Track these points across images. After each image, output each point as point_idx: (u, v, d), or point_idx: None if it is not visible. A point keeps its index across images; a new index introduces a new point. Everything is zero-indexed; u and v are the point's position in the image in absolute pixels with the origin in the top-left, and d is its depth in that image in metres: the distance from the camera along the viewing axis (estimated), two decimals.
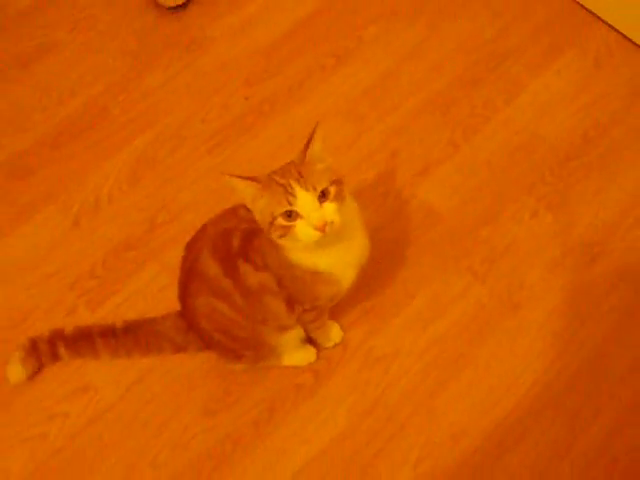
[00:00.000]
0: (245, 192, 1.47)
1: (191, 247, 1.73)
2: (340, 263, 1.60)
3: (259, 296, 1.65)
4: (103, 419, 1.92)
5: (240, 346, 1.81)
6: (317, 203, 1.43)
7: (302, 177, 1.43)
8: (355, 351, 1.98)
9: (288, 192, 1.42)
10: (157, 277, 2.08)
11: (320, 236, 1.44)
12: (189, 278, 1.70)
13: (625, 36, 2.38)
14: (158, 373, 1.96)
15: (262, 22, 2.49)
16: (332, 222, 1.44)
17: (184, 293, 1.74)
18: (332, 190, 1.45)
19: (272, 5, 2.52)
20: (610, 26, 2.40)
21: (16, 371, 1.91)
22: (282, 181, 1.43)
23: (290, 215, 1.43)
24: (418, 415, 1.90)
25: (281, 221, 1.44)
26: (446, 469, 1.84)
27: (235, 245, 1.63)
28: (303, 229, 1.44)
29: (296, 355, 1.94)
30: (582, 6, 2.43)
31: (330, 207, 1.45)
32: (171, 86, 2.39)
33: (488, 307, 2.02)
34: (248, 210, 1.52)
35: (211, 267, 1.64)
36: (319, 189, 1.43)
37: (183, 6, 2.50)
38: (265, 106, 2.33)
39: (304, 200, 1.42)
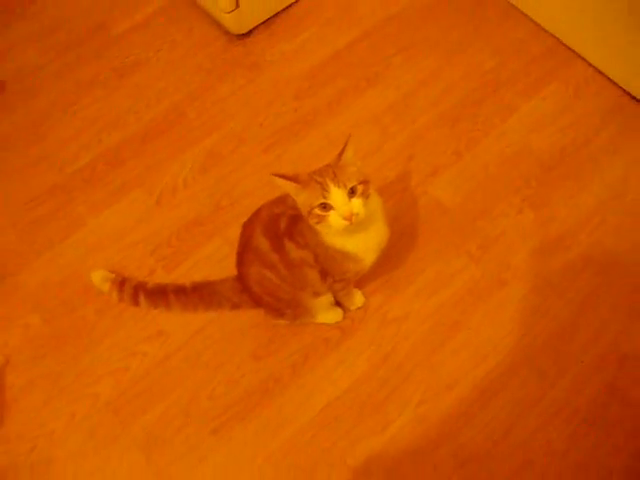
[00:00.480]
0: (287, 188, 1.47)
1: (247, 226, 1.70)
2: (364, 246, 1.58)
3: (299, 268, 1.63)
4: (173, 358, 1.90)
5: (283, 306, 1.78)
6: (347, 198, 1.43)
7: (336, 177, 1.43)
8: (374, 313, 1.95)
9: (324, 188, 1.42)
10: (219, 249, 2.04)
11: (347, 225, 1.44)
12: (244, 251, 1.69)
13: (600, 71, 2.31)
14: (217, 324, 1.94)
15: (310, 49, 2.43)
16: (357, 214, 1.44)
17: (240, 262, 1.72)
18: (359, 188, 1.44)
19: (318, 35, 2.46)
20: (588, 63, 2.34)
21: (101, 278, 1.94)
22: (320, 179, 1.43)
23: (325, 207, 1.43)
24: (421, 367, 1.86)
25: (317, 211, 1.44)
26: (440, 411, 1.81)
27: (282, 227, 1.61)
28: (334, 218, 1.44)
29: (327, 315, 1.91)
30: (566, 46, 2.36)
31: (357, 202, 1.44)
32: (236, 97, 2.34)
33: (480, 283, 1.98)
34: (293, 199, 1.50)
35: (262, 243, 1.62)
36: (349, 186, 1.42)
37: (248, 34, 2.45)
38: (309, 116, 2.28)
39: (336, 195, 1.42)
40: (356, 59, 2.41)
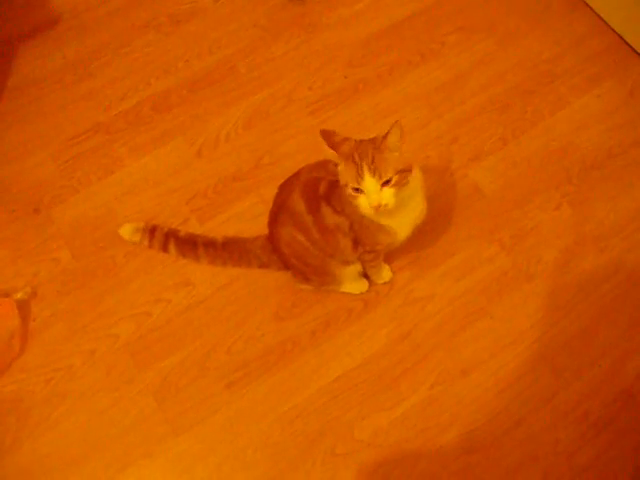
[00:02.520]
0: (328, 153, 1.43)
1: (284, 187, 1.66)
2: (400, 221, 1.55)
3: (332, 234, 1.59)
4: (196, 309, 1.88)
5: (310, 271, 1.75)
6: (378, 187, 1.39)
7: (373, 163, 1.38)
8: (399, 290, 1.90)
9: (359, 173, 1.38)
10: (254, 206, 2.00)
11: (373, 212, 1.41)
12: (280, 211, 1.64)
13: None
14: (243, 281, 1.91)
15: (367, 17, 2.35)
16: (386, 205, 1.40)
17: (273, 222, 1.68)
18: (394, 179, 1.39)
19: (378, 4, 2.38)
20: None
21: (130, 231, 1.91)
22: (358, 161, 1.38)
23: (357, 189, 1.40)
24: (439, 349, 1.83)
25: (350, 190, 1.41)
26: (453, 395, 1.78)
27: (321, 190, 1.57)
28: (363, 202, 1.42)
29: (352, 285, 1.87)
30: (627, 44, 2.26)
31: (388, 192, 1.40)
32: (289, 57, 2.27)
33: (509, 274, 1.92)
34: (335, 165, 1.46)
35: (299, 204, 1.58)
36: (384, 178, 1.38)
37: None
38: (359, 85, 2.21)
39: (369, 183, 1.38)
40: (412, 33, 2.32)
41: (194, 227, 1.97)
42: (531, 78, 2.23)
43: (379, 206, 1.39)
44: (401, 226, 1.57)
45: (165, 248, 1.91)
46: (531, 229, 1.98)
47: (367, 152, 1.39)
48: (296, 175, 1.65)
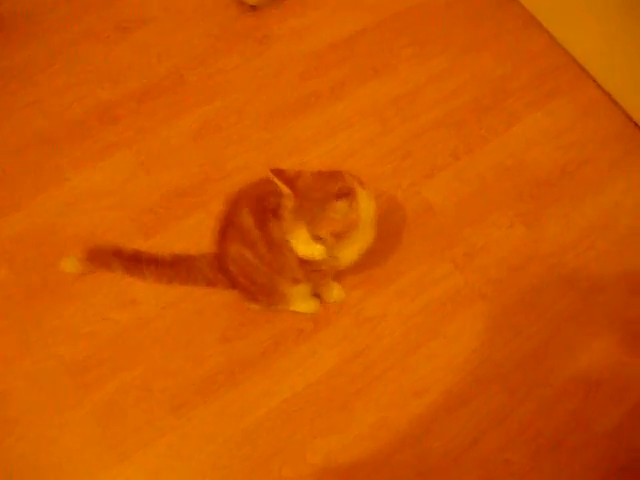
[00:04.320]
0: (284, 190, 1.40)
1: (232, 201, 1.61)
2: (343, 251, 1.50)
3: (279, 249, 1.53)
4: (142, 329, 1.82)
5: (258, 290, 1.70)
6: (311, 241, 1.39)
7: (314, 220, 1.37)
8: (351, 309, 1.87)
9: (294, 223, 1.38)
10: (202, 222, 1.94)
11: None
12: (228, 227, 1.60)
13: (608, 94, 2.22)
14: (190, 300, 1.85)
15: (320, 30, 2.32)
16: (314, 258, 1.42)
17: (221, 239, 1.63)
18: (329, 239, 1.38)
19: (331, 16, 2.35)
20: (598, 84, 2.24)
21: (71, 264, 1.82)
22: (297, 219, 1.38)
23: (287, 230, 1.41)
24: (392, 369, 1.80)
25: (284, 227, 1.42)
26: (406, 416, 1.75)
27: (270, 203, 1.51)
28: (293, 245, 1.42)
29: (302, 304, 1.82)
30: (579, 64, 2.27)
31: (319, 249, 1.40)
32: (242, 69, 2.22)
33: (462, 292, 1.90)
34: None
35: (247, 219, 1.54)
36: (315, 233, 1.38)
37: (261, 5, 2.33)
38: (312, 98, 2.18)
39: (299, 235, 1.39)
40: (366, 47, 2.30)
41: (140, 243, 1.91)
42: (485, 94, 2.22)
43: (306, 257, 1.39)
44: (344, 255, 1.53)
45: (110, 267, 1.83)
46: (483, 247, 1.97)
47: (311, 206, 1.36)
48: (245, 190, 1.61)
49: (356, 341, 1.83)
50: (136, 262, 1.83)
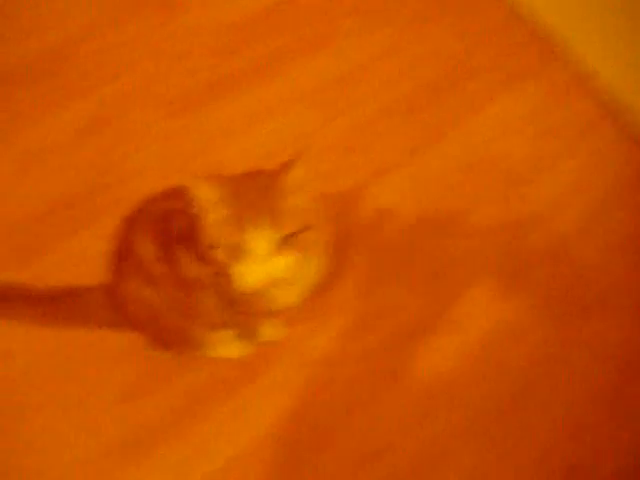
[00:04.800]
0: (206, 196, 0.96)
1: (128, 223, 1.18)
2: (286, 288, 1.10)
3: (193, 289, 1.13)
4: (17, 388, 1.37)
5: (168, 337, 1.28)
6: (270, 251, 0.94)
7: (268, 211, 0.94)
8: (289, 350, 1.47)
9: (240, 224, 0.93)
10: (92, 243, 1.49)
11: (251, 290, 0.96)
12: (120, 257, 1.18)
13: (581, 77, 1.88)
14: (78, 347, 1.41)
15: None
16: (275, 278, 0.96)
17: (113, 272, 1.21)
18: (296, 240, 0.96)
19: None
20: (572, 64, 1.90)
21: None
22: (238, 206, 0.95)
23: (233, 251, 0.94)
24: (342, 429, 1.40)
25: (220, 254, 0.96)
26: None
27: (177, 230, 1.10)
28: (240, 274, 0.96)
29: (227, 348, 1.41)
30: (548, 42, 1.92)
31: (283, 262, 0.95)
32: (139, 43, 1.78)
33: (428, 322, 1.52)
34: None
35: (146, 248, 1.12)
36: (283, 232, 0.94)
37: None
38: (231, 80, 1.76)
39: (256, 243, 0.93)
40: (298, 15, 1.89)
41: (12, 273, 1.46)
42: (442, 74, 1.85)
43: (263, 283, 0.96)
44: (287, 294, 1.13)
45: None
46: (453, 262, 1.59)
47: (253, 195, 0.95)
48: (143, 206, 1.18)
49: (297, 393, 1.43)
50: (6, 298, 1.38)
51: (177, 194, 1.14)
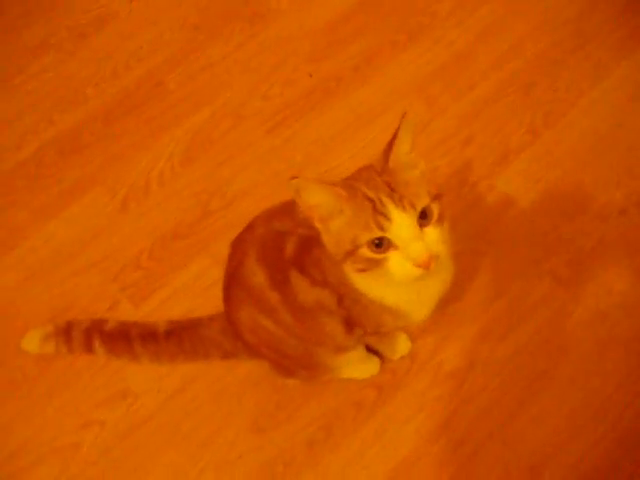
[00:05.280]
0: (321, 203, 0.87)
1: (236, 247, 1.11)
2: (415, 300, 0.99)
3: (312, 315, 1.04)
4: (141, 430, 1.33)
5: (291, 364, 1.21)
6: (418, 229, 0.82)
7: (394, 191, 0.82)
8: (424, 364, 1.35)
9: (379, 212, 0.82)
10: (207, 271, 1.46)
11: (422, 274, 0.84)
12: (231, 284, 1.10)
13: None
14: (203, 381, 1.36)
15: None
16: (437, 255, 0.84)
17: (227, 300, 1.14)
18: (435, 209, 0.84)
19: None
20: None
21: (37, 341, 1.36)
22: (370, 194, 0.83)
23: (380, 244, 0.83)
24: (493, 440, 1.27)
25: (367, 252, 0.84)
26: None
27: (289, 252, 1.01)
28: (399, 264, 0.86)
29: (357, 368, 1.32)
30: None
31: (434, 234, 0.84)
32: (231, 60, 1.73)
33: (573, 315, 1.37)
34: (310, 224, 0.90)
35: (256, 275, 1.03)
36: (419, 208, 0.82)
37: None
38: (331, 84, 1.67)
39: (401, 224, 0.82)
40: (390, 7, 1.78)
41: (127, 312, 1.43)
42: (556, 44, 1.69)
43: (430, 260, 0.84)
44: (416, 306, 1.02)
45: (90, 348, 1.36)
46: (592, 248, 1.44)
47: (374, 180, 0.86)
48: (250, 228, 1.10)
49: (437, 409, 1.31)
50: (123, 338, 1.35)
51: (285, 212, 1.06)
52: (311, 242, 0.97)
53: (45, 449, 1.33)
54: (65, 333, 1.36)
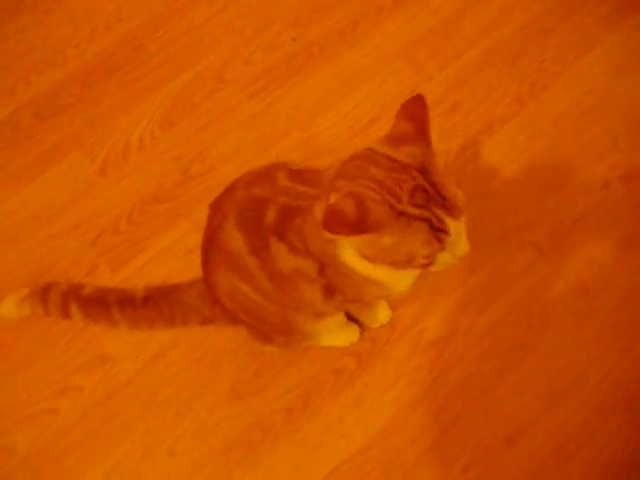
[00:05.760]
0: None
1: (216, 209, 1.09)
2: (401, 274, 0.99)
3: (291, 282, 1.03)
4: (119, 396, 1.33)
5: (270, 329, 1.20)
6: (464, 231, 0.89)
7: (445, 200, 0.84)
8: (404, 333, 1.36)
9: (437, 228, 0.85)
10: (187, 236, 1.45)
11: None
12: (210, 248, 1.09)
13: None
14: (182, 347, 1.36)
15: None
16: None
17: (205, 264, 1.12)
18: (463, 197, 0.87)
19: None
20: None
21: (12, 306, 1.34)
22: (425, 214, 0.83)
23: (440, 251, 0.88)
24: (470, 412, 1.30)
25: (421, 260, 0.88)
26: (499, 473, 1.25)
27: (269, 220, 0.99)
28: (443, 260, 0.91)
29: (337, 335, 1.32)
30: None
31: (464, 222, 0.89)
32: (214, 23, 1.69)
33: (553, 287, 1.38)
34: (294, 180, 0.94)
35: (235, 239, 1.02)
36: (464, 209, 0.87)
37: None
38: (314, 48, 1.65)
39: (456, 232, 0.87)
40: None
41: (105, 277, 1.43)
42: (544, 12, 1.67)
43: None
44: (402, 277, 1.03)
45: (66, 313, 1.35)
46: (574, 220, 1.44)
47: (426, 189, 0.84)
48: (230, 191, 1.08)
49: (417, 378, 1.33)
50: (101, 303, 1.34)
51: (264, 180, 1.04)
52: (293, 211, 0.97)
53: (22, 415, 1.33)
54: (42, 294, 1.35)
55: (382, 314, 1.34)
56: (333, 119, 1.58)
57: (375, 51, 1.65)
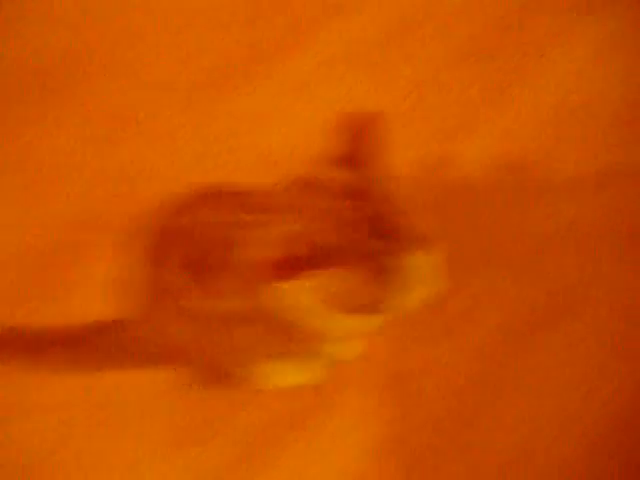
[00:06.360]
0: None
1: (153, 239, 0.99)
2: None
3: (230, 322, 0.94)
4: (51, 446, 1.14)
5: (211, 371, 1.11)
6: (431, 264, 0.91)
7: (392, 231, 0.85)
8: (373, 366, 1.22)
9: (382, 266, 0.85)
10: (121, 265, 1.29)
11: None
12: (146, 283, 0.99)
13: None
14: (118, 392, 1.20)
15: None
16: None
17: (142, 301, 1.01)
18: None
19: None
20: None
21: None
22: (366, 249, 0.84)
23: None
24: (450, 452, 1.15)
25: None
26: None
27: (211, 251, 0.93)
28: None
29: (292, 374, 1.17)
30: None
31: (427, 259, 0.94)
32: (142, 21, 1.58)
33: (537, 310, 1.27)
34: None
35: (173, 275, 0.94)
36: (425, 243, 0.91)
37: None
38: (259, 56, 1.55)
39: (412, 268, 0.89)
40: None
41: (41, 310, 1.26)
42: (517, 7, 1.60)
43: None
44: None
45: None
46: (562, 233, 1.33)
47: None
48: (170, 216, 1.00)
49: (388, 418, 1.17)
50: (32, 347, 1.19)
51: (212, 198, 0.98)
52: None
53: None
54: None
55: (343, 350, 1.18)
56: (285, 130, 1.47)
57: (327, 51, 1.56)
